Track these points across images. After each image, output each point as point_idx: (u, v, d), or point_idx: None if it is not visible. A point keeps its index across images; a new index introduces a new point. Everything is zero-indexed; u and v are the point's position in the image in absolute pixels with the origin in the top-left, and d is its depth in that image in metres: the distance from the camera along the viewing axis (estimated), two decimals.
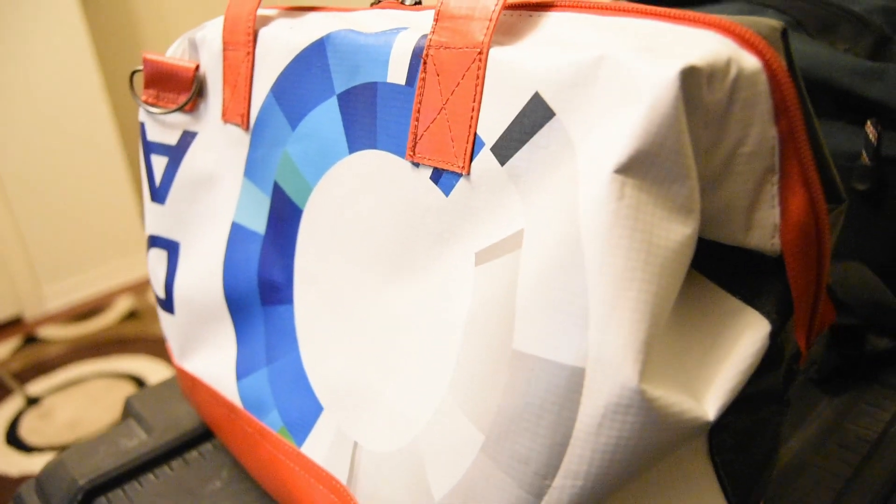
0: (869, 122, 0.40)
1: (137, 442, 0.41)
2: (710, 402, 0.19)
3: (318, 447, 0.28)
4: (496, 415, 0.19)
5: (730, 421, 0.23)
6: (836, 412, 0.37)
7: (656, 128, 0.17)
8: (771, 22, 0.20)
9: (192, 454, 0.40)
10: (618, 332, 0.17)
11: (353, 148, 0.26)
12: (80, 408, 1.35)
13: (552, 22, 0.21)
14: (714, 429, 0.23)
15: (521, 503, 0.19)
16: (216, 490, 0.37)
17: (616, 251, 0.17)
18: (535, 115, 0.20)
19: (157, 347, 1.54)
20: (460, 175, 0.22)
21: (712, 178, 0.19)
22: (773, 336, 0.20)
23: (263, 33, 0.29)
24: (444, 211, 0.22)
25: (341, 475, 0.26)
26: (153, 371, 1.44)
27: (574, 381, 0.18)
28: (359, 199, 0.26)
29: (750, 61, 0.18)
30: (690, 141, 0.18)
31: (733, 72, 0.18)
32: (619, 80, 0.18)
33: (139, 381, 1.41)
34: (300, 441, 0.28)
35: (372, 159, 0.25)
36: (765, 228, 0.20)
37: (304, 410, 0.28)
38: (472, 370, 0.20)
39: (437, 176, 0.22)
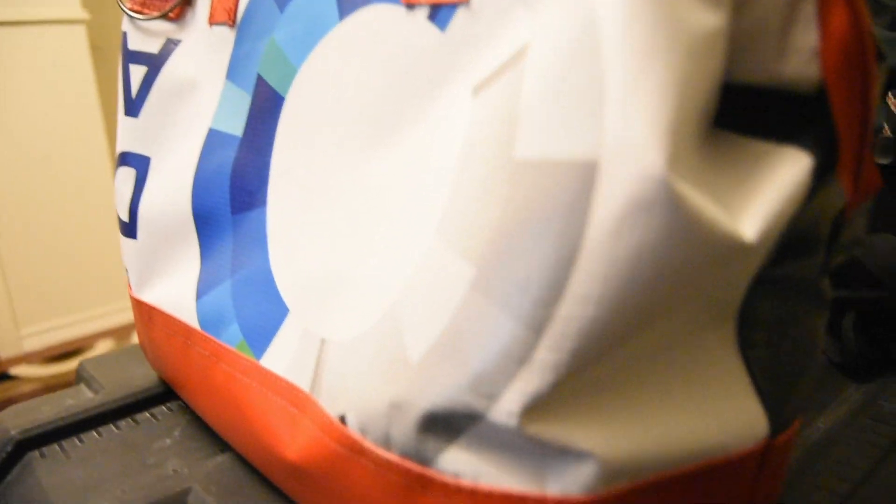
0: (890, 94, 0.38)
1: (83, 400, 0.36)
2: (747, 220, 0.16)
3: (280, 356, 0.24)
4: (490, 240, 0.16)
5: (762, 310, 0.19)
6: (867, 394, 0.34)
7: None
8: None
9: (143, 415, 0.35)
10: (640, 110, 0.14)
11: (343, 13, 0.23)
12: None
13: None
14: (743, 319, 0.19)
15: (518, 341, 0.15)
16: (165, 447, 0.32)
17: (636, 23, 0.15)
18: None
19: None
20: (457, 6, 0.19)
21: None
22: (818, 173, 0.17)
23: None
24: (440, 48, 0.20)
25: (304, 382, 0.22)
26: None
27: (586, 179, 0.15)
28: (345, 67, 0.23)
29: None
30: None
31: None
32: None
33: None
34: (259, 353, 0.25)
35: (362, 17, 0.22)
36: (801, 53, 0.17)
37: (267, 317, 0.25)
38: (464, 200, 0.17)
39: (434, 13, 0.20)
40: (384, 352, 0.19)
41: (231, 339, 0.26)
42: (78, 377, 0.41)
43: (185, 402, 0.35)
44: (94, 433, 0.34)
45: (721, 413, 0.18)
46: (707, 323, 0.18)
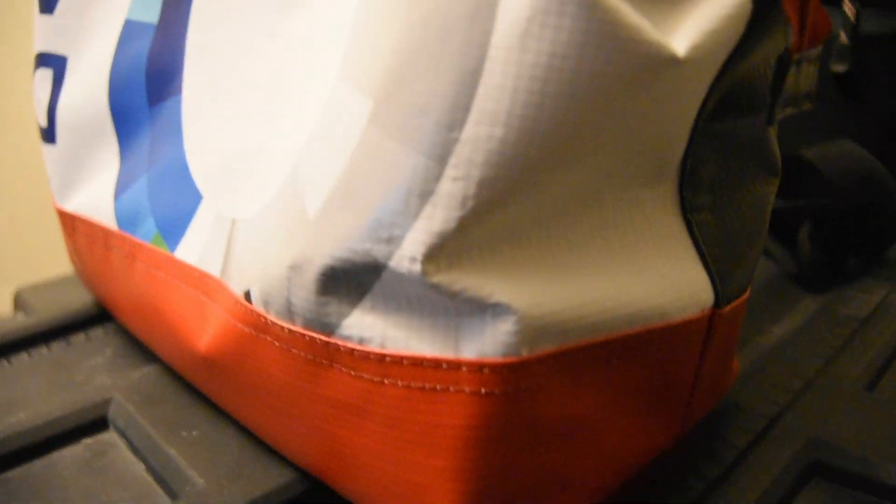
0: (846, 0, 0.37)
1: (15, 323, 0.35)
2: (678, 34, 0.14)
3: (193, 246, 0.22)
4: (387, 67, 0.14)
5: (705, 169, 0.18)
6: (823, 303, 0.33)
7: None
8: None
9: (78, 336, 0.34)
10: None
11: None
12: None
13: None
14: (684, 180, 0.18)
15: (419, 174, 0.14)
16: (96, 364, 0.31)
17: None
18: None
19: None
20: None
21: None
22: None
23: None
24: None
25: (215, 268, 0.21)
26: None
27: None
28: None
29: None
30: None
31: None
32: None
33: None
34: (173, 245, 0.23)
35: None
36: None
37: (181, 207, 0.23)
38: (363, 32, 0.15)
39: None
40: (285, 215, 0.17)
41: (146, 235, 0.24)
42: (16, 305, 0.39)
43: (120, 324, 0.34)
44: (25, 354, 0.32)
45: (660, 276, 0.17)
46: (641, 177, 0.17)
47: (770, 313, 0.32)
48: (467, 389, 0.15)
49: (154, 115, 0.26)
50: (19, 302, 0.38)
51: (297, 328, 0.17)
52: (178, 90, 0.25)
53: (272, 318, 0.18)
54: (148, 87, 0.26)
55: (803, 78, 0.24)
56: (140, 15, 0.27)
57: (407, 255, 0.14)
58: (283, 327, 0.17)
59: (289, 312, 0.17)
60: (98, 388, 0.27)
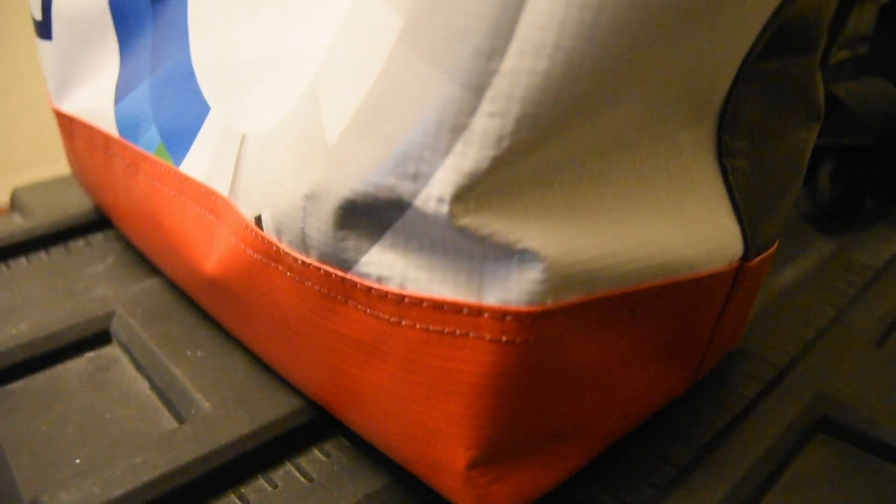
0: None
1: (13, 227, 0.34)
2: None
3: (200, 160, 0.21)
4: None
5: (746, 111, 0.17)
6: (837, 245, 0.32)
7: None
8: None
9: (78, 242, 0.33)
10: None
11: None
12: None
13: None
14: (724, 121, 0.17)
15: (453, 105, 0.13)
16: (96, 273, 0.30)
17: None
18: None
19: None
20: None
21: None
22: None
23: None
24: None
25: (223, 186, 0.20)
26: None
27: None
28: None
29: None
30: None
31: None
32: None
33: None
34: (179, 158, 0.22)
35: None
36: None
37: (186, 117, 0.22)
38: None
39: None
40: (301, 136, 0.16)
41: (149, 144, 0.23)
42: (12, 205, 0.38)
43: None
44: (24, 259, 0.32)
45: (691, 226, 0.16)
46: (682, 118, 0.15)
47: (783, 254, 0.31)
48: (488, 336, 0.14)
49: (157, 14, 0.24)
50: (16, 202, 0.37)
51: (312, 261, 0.16)
52: None
53: (284, 247, 0.17)
54: None
55: (864, 18, 0.23)
56: None
57: (434, 195, 0.13)
58: (296, 258, 0.16)
59: (303, 243, 0.16)
60: (99, 300, 0.27)
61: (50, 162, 1.67)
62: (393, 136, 0.13)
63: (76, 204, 0.35)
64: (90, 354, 0.25)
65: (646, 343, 0.17)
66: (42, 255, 0.32)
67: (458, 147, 0.13)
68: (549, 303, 0.14)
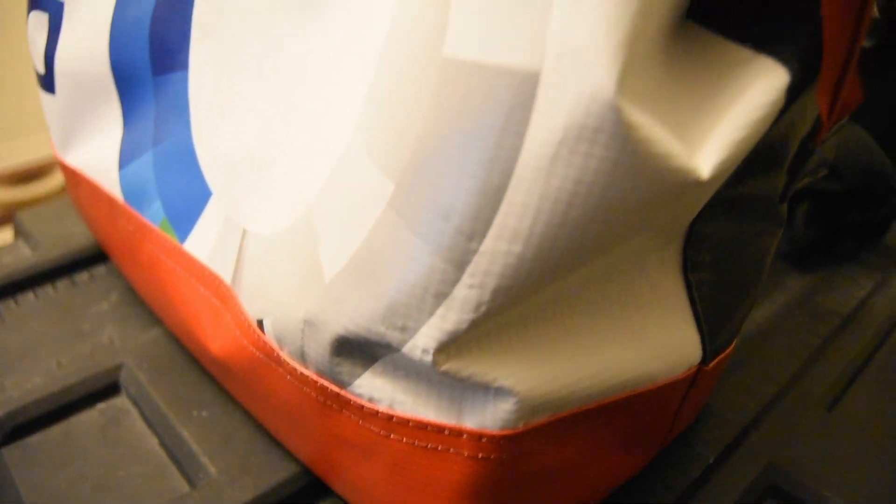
0: None
1: (20, 258, 0.35)
2: (706, 154, 0.14)
3: (203, 242, 0.22)
4: (412, 153, 0.14)
5: (712, 230, 0.18)
6: (808, 286, 0.34)
7: None
8: None
9: (82, 275, 0.34)
10: (592, 15, 0.12)
11: None
12: None
13: None
14: (691, 239, 0.18)
15: (436, 276, 0.14)
16: (102, 311, 0.32)
17: None
18: None
19: None
20: None
21: None
22: (792, 92, 0.15)
23: None
24: None
25: (226, 272, 0.21)
26: None
27: (524, 91, 0.13)
28: None
29: None
30: None
31: None
32: None
33: None
34: (183, 236, 0.23)
35: None
36: None
37: (190, 198, 0.23)
38: (385, 97, 0.15)
39: None
40: (299, 260, 0.17)
41: (154, 217, 0.24)
42: (16, 232, 0.39)
43: None
44: (31, 294, 0.33)
45: (654, 342, 0.18)
46: (649, 246, 0.17)
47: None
48: (466, 453, 0.16)
49: (158, 86, 0.25)
50: (19, 228, 0.39)
51: (310, 374, 0.18)
52: (184, 66, 0.24)
53: (285, 356, 0.18)
54: (152, 55, 0.25)
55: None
56: None
57: (420, 346, 0.15)
58: (295, 368, 0.18)
59: (302, 357, 0.18)
60: (107, 350, 0.28)
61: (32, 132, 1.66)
62: (383, 290, 0.15)
63: (79, 232, 0.37)
64: (101, 406, 0.26)
65: (609, 440, 0.19)
66: (49, 290, 0.33)
67: (441, 310, 0.14)
68: (521, 426, 0.16)
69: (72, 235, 0.36)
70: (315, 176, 0.17)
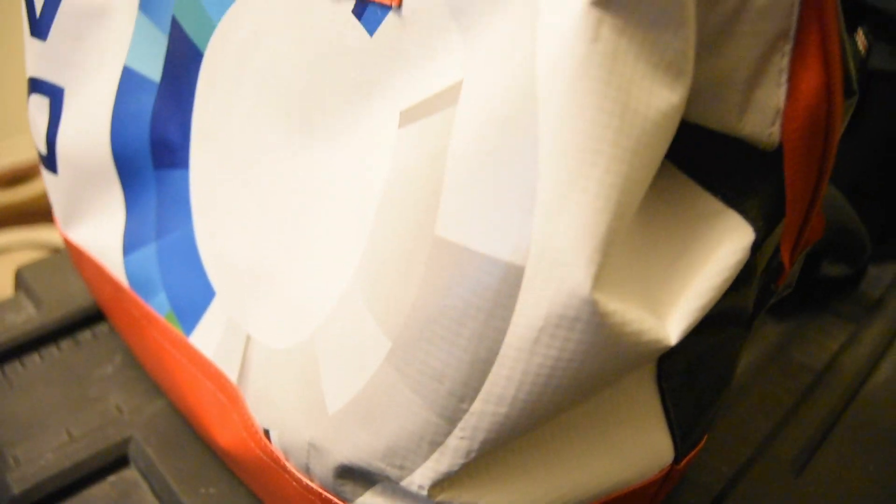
0: (860, 30, 0.36)
1: (24, 317, 0.36)
2: (674, 322, 0.15)
3: (208, 338, 0.24)
4: (408, 317, 0.16)
5: (686, 343, 0.20)
6: (782, 337, 0.35)
7: None
8: None
9: (85, 335, 0.36)
10: (572, 222, 0.13)
11: None
12: (4, 277, 1.28)
13: None
14: (664, 355, 0.19)
15: (431, 428, 0.16)
16: (107, 375, 0.33)
17: (581, 112, 0.13)
18: None
19: None
20: (389, 8, 0.17)
21: (709, 39, 0.15)
22: (756, 247, 0.16)
23: None
24: (367, 55, 0.17)
25: (231, 372, 0.23)
26: None
27: (509, 281, 0.14)
28: (268, 39, 0.20)
29: None
30: None
31: None
32: None
33: None
34: (189, 329, 0.24)
35: None
36: (765, 112, 0.16)
37: (194, 295, 0.24)
38: (383, 257, 0.16)
39: (361, 9, 0.17)
40: (304, 385, 0.19)
41: (160, 308, 0.26)
42: (16, 284, 0.40)
43: None
44: (37, 356, 0.34)
45: (630, 452, 0.19)
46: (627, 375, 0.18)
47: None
48: None
49: (160, 179, 0.26)
50: (21, 282, 0.40)
51: (315, 486, 0.19)
52: (185, 164, 0.25)
53: (291, 466, 0.20)
54: (153, 149, 0.26)
55: None
56: (140, 66, 0.26)
57: (416, 483, 0.16)
58: (300, 478, 0.20)
59: (307, 471, 0.19)
60: (116, 423, 0.29)
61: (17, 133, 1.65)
62: (382, 433, 0.16)
63: (79, 289, 0.38)
64: (112, 479, 0.28)
65: None
66: (54, 351, 0.35)
67: (435, 455, 0.16)
68: None
69: (73, 293, 0.37)
70: (317, 307, 0.19)
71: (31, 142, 1.67)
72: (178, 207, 0.25)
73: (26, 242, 1.37)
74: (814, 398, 0.32)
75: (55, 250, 1.34)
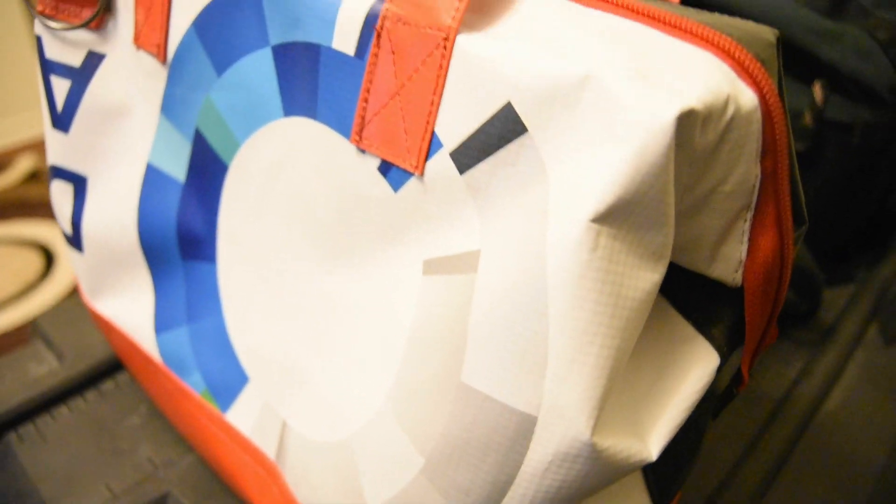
0: (817, 83, 0.39)
1: (48, 369, 0.39)
2: (654, 441, 0.19)
3: (245, 417, 0.27)
4: (438, 442, 0.19)
5: None
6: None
7: (642, 175, 0.15)
8: (766, 34, 0.18)
9: (108, 385, 0.38)
10: (575, 387, 0.16)
11: (288, 111, 0.23)
12: None
13: (528, 2, 0.19)
14: None
15: None
16: (135, 426, 0.35)
17: (583, 304, 0.16)
18: (504, 127, 0.17)
19: None
20: (412, 173, 0.19)
21: (685, 213, 0.18)
22: (720, 369, 0.20)
23: None
24: (392, 207, 0.20)
25: (269, 449, 0.26)
26: (60, 239, 1.37)
27: (524, 426, 0.17)
28: (294, 169, 0.23)
29: (747, 97, 0.16)
30: (673, 184, 0.16)
31: (730, 112, 0.16)
32: (606, 109, 0.16)
33: (45, 250, 1.34)
34: (225, 407, 0.27)
35: (311, 130, 0.22)
36: (729, 262, 0.19)
37: (228, 377, 0.27)
38: (415, 390, 0.19)
39: (386, 168, 0.20)
40: (344, 480, 0.22)
41: (195, 386, 0.28)
42: (33, 332, 0.42)
43: None
44: (65, 408, 0.37)
45: None
46: None
47: None
48: None
49: (188, 269, 0.29)
50: (38, 331, 0.42)
51: None
52: (213, 259, 0.27)
53: None
54: (180, 242, 0.28)
55: None
56: (164, 164, 0.28)
57: None
58: None
59: None
60: (152, 476, 0.32)
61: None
62: None
63: (97, 339, 0.40)
64: None
65: None
66: (80, 403, 0.37)
67: None
68: None
69: (92, 343, 0.40)
70: (353, 413, 0.22)
71: (2, 130, 1.64)
72: (207, 297, 0.28)
73: (1, 238, 1.37)
74: (774, 426, 0.36)
75: (29, 244, 1.33)
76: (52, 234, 1.39)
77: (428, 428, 0.19)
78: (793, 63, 0.40)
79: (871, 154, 0.40)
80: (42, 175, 1.59)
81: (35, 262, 1.31)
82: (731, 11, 0.38)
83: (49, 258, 1.32)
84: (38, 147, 1.71)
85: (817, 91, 0.39)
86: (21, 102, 1.70)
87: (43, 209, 1.46)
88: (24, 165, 1.63)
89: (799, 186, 0.19)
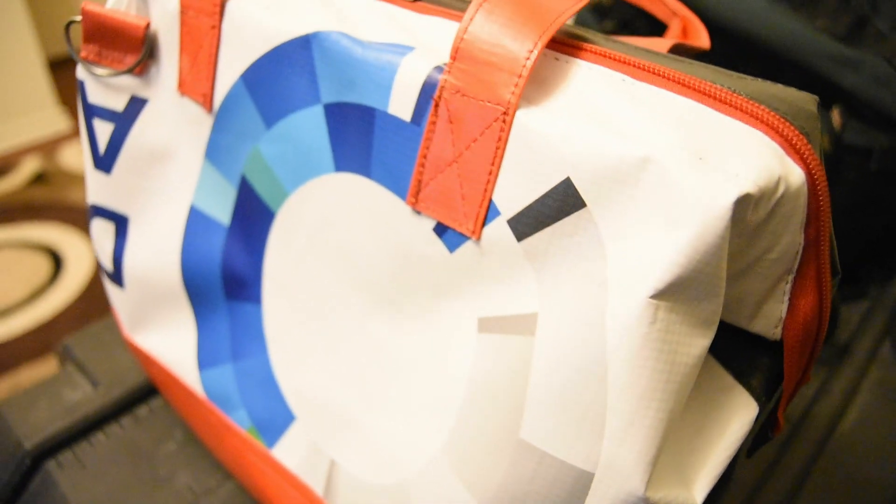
0: (835, 109, 0.40)
1: (82, 395, 0.39)
2: (699, 489, 0.20)
3: (292, 454, 0.27)
4: (496, 493, 0.20)
5: None
6: None
7: (700, 255, 0.16)
8: (808, 104, 0.19)
9: (142, 410, 0.39)
10: (633, 448, 0.17)
11: (340, 167, 0.23)
12: None
13: (582, 75, 0.19)
14: None
15: None
16: (171, 452, 0.36)
17: (642, 371, 0.17)
18: (563, 200, 0.18)
19: (70, 215, 1.45)
20: (469, 237, 0.20)
21: (731, 278, 0.19)
22: (758, 418, 0.21)
23: (232, 6, 0.25)
24: (447, 266, 0.21)
25: (317, 486, 0.26)
26: (68, 242, 1.37)
27: (582, 482, 0.18)
28: (346, 222, 0.24)
29: (796, 174, 0.17)
30: (726, 259, 0.17)
31: (780, 191, 0.17)
32: (665, 191, 0.16)
33: (53, 253, 1.34)
34: (271, 443, 0.28)
35: (364, 188, 0.23)
36: (770, 319, 0.20)
37: (275, 415, 0.28)
38: (473, 443, 0.20)
39: (442, 229, 0.21)
40: None
41: (241, 422, 0.29)
42: (63, 356, 0.43)
43: None
44: (102, 434, 0.38)
45: None
46: None
47: None
48: None
49: (233, 309, 0.29)
50: (69, 355, 0.42)
51: None
52: (258, 301, 0.28)
53: None
54: (224, 282, 0.29)
55: None
56: (207, 208, 0.29)
57: None
58: None
59: None
60: (189, 499, 0.33)
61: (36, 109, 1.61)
62: None
63: (130, 364, 0.41)
64: None
65: None
66: (116, 429, 0.38)
67: None
68: None
69: (125, 369, 0.40)
70: (407, 459, 0.23)
71: (7, 131, 1.64)
72: (252, 337, 0.29)
73: (5, 241, 1.37)
74: (792, 448, 0.37)
75: (37, 247, 1.34)
76: (59, 236, 1.39)
77: (486, 479, 0.20)
78: (813, 89, 0.41)
79: (889, 177, 0.41)
80: (48, 177, 1.59)
81: (43, 265, 1.31)
82: (756, 42, 0.39)
83: (57, 261, 1.32)
84: (43, 149, 1.71)
85: (836, 116, 0.40)
86: (25, 105, 1.70)
87: (49, 211, 1.47)
88: (29, 168, 1.63)
89: (834, 243, 0.20)
